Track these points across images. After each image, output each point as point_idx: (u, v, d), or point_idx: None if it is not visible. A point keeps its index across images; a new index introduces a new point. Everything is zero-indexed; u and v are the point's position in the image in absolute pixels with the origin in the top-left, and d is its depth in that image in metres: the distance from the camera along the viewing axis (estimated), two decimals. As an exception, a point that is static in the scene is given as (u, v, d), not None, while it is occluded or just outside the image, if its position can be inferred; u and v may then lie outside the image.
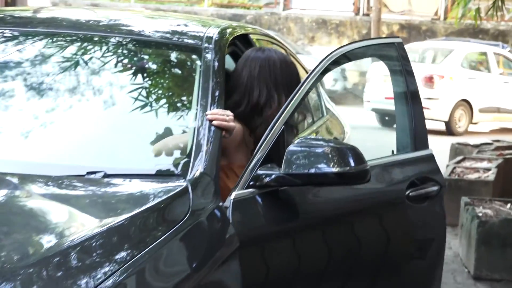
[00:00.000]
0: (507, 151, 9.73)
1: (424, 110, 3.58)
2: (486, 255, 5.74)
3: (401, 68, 3.43)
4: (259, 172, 2.68)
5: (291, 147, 2.67)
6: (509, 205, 6.24)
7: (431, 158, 3.41)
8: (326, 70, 3.04)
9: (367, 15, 23.38)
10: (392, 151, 3.48)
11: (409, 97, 3.41)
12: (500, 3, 8.65)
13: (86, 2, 24.79)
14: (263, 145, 2.74)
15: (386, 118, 16.24)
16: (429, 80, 15.78)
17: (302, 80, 2.98)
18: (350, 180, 2.74)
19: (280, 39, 19.82)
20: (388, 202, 3.31)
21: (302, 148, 2.66)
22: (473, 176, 7.81)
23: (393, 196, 3.30)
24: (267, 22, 23.50)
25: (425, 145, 3.40)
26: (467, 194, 7.04)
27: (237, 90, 3.10)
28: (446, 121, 15.97)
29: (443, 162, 7.40)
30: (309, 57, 21.43)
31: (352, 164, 2.65)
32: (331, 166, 2.62)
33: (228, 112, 2.83)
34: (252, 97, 3.08)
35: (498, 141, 11.00)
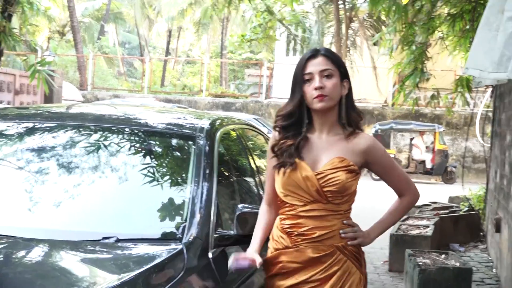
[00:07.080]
0: (442, 211, 9.77)
1: None
2: (426, 296, 5.69)
3: None
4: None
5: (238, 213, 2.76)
6: (443, 255, 6.21)
7: None
8: None
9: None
10: None
11: None
12: (436, 94, 8.92)
13: (109, 94, 24.95)
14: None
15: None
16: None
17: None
18: None
19: (262, 122, 19.40)
20: None
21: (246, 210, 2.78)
22: (415, 232, 7.80)
23: None
24: (252, 108, 23.68)
25: None
26: (410, 247, 7.03)
27: None
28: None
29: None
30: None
31: None
32: None
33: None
34: None
35: (435, 202, 11.02)
